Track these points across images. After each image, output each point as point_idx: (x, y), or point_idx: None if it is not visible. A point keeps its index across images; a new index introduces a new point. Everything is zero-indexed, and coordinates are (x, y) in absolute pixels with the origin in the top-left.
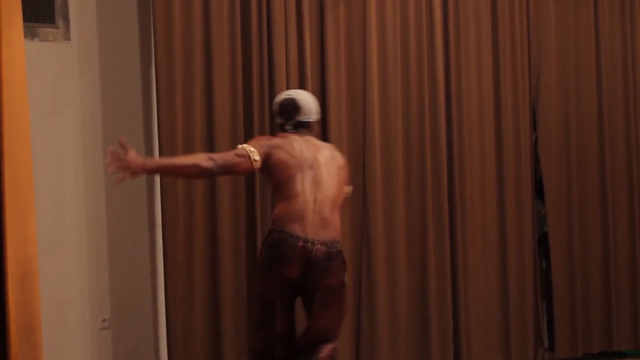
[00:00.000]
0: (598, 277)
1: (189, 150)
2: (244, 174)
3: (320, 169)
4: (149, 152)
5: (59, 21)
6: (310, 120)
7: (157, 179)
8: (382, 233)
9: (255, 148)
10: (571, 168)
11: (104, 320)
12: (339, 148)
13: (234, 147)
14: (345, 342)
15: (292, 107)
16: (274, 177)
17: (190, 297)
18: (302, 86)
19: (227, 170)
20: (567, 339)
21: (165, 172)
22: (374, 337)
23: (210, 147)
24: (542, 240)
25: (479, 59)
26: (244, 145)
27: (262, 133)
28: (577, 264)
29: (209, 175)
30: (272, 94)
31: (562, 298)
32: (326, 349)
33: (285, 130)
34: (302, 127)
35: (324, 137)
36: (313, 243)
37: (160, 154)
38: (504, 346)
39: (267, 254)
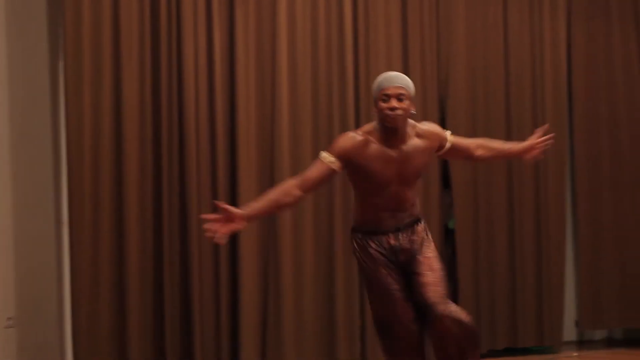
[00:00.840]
0: (503, 274)
1: (96, 147)
2: None
3: None
4: (56, 148)
5: None
6: None
7: (65, 175)
8: (290, 230)
9: None
10: (477, 168)
11: (8, 318)
12: (247, 146)
13: (140, 143)
14: (251, 343)
15: None
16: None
17: (96, 294)
18: (210, 84)
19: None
20: None
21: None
22: (280, 336)
23: (118, 144)
24: (448, 237)
25: (388, 56)
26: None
27: (170, 130)
28: (483, 261)
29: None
30: (181, 91)
31: (468, 294)
32: None
33: None
34: None
35: (232, 135)
36: None
37: (67, 151)
38: None
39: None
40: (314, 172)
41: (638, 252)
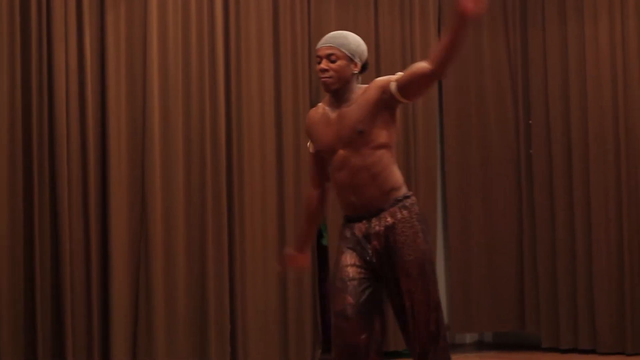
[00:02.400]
0: None
1: None
2: None
3: None
4: None
5: None
6: None
7: None
8: (161, 233)
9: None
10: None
11: None
12: (118, 148)
13: (9, 146)
14: (122, 343)
15: None
16: (392, 132)
17: None
18: (81, 87)
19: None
20: None
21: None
22: (152, 337)
23: None
24: (321, 254)
25: (259, 59)
26: None
27: (40, 136)
28: None
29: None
30: (52, 94)
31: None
32: None
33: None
34: None
35: (103, 136)
36: None
37: None
38: (282, 347)
39: (425, 214)
40: (310, 165)
41: (507, 258)
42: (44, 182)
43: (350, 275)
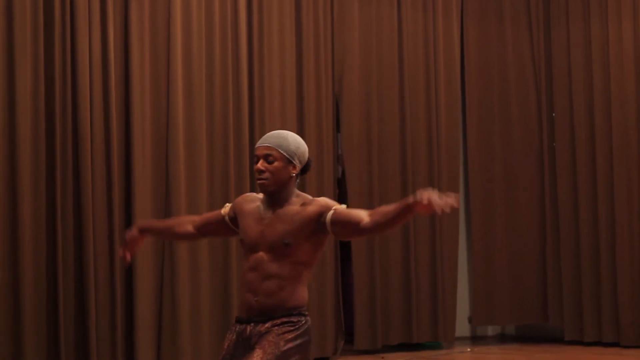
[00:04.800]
0: (398, 271)
1: None
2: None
3: None
4: None
5: None
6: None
7: None
8: None
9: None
10: (372, 164)
11: None
12: (142, 144)
13: (33, 142)
14: (147, 341)
15: None
16: (317, 253)
17: None
18: (105, 81)
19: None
20: (366, 332)
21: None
22: (176, 334)
23: (11, 141)
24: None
25: (281, 56)
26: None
27: (64, 127)
28: (378, 258)
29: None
30: (75, 89)
31: (363, 292)
32: None
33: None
34: None
35: (127, 133)
36: None
37: None
38: None
39: (308, 341)
40: (209, 213)
41: (530, 251)
42: (68, 177)
43: None
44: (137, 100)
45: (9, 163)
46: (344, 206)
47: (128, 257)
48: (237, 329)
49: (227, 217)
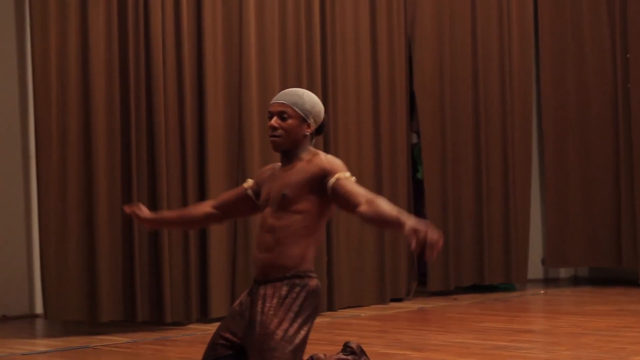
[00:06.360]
0: (471, 213)
1: (63, 82)
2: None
3: None
4: (22, 81)
5: None
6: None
7: (32, 114)
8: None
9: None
10: (445, 101)
11: None
12: (215, 108)
13: (107, 78)
14: (221, 296)
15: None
16: (321, 210)
17: (64, 229)
18: (177, 29)
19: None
20: (439, 273)
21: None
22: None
23: (85, 80)
24: (417, 188)
25: (355, 19)
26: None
27: (137, 92)
28: (450, 200)
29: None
30: (148, 37)
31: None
32: None
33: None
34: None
35: (200, 96)
36: None
37: (34, 85)
38: (378, 280)
39: (314, 302)
40: (227, 192)
41: (604, 193)
42: (141, 119)
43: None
44: (210, 50)
45: (84, 101)
46: (351, 178)
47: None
48: (251, 288)
49: (250, 191)
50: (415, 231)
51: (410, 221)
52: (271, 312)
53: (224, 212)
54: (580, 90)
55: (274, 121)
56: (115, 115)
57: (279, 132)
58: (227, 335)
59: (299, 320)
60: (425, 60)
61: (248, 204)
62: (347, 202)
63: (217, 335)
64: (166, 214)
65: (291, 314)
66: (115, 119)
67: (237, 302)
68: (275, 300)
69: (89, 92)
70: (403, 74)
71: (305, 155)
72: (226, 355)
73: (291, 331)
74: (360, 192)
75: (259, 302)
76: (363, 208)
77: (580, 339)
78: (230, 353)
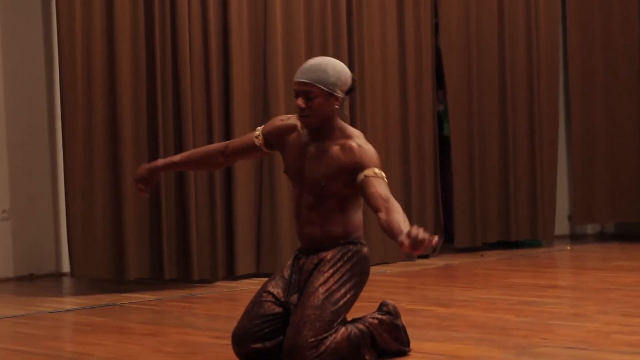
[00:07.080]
0: (497, 169)
1: (88, 42)
2: None
3: None
4: (48, 43)
5: None
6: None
7: (57, 72)
8: None
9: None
10: (471, 65)
11: (3, 211)
12: (241, 85)
13: (133, 39)
14: (247, 252)
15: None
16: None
17: (90, 187)
18: (204, 25)
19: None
20: (465, 230)
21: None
22: (276, 246)
23: (110, 39)
24: (444, 144)
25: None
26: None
27: (163, 50)
28: (477, 156)
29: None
30: (174, 21)
31: (462, 190)
32: None
33: (344, 117)
34: None
35: (226, 78)
36: None
37: (59, 46)
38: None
39: (365, 268)
40: (240, 138)
41: (630, 150)
42: (167, 79)
43: (265, 302)
44: (235, 10)
45: (109, 61)
46: (380, 174)
47: (142, 193)
48: (296, 256)
49: (260, 145)
50: (407, 234)
51: (403, 235)
52: (321, 275)
53: (231, 158)
54: (606, 49)
55: (301, 102)
56: (141, 73)
57: (307, 112)
58: (276, 291)
59: (348, 285)
60: (451, 18)
61: (255, 153)
62: (368, 202)
63: (262, 292)
64: (175, 157)
65: (340, 276)
66: (141, 77)
67: (285, 268)
68: (327, 265)
69: (114, 51)
70: (429, 31)
71: (337, 134)
72: (274, 313)
73: (337, 293)
74: (381, 196)
75: (310, 267)
76: (381, 215)
77: (606, 294)
78: (279, 311)
